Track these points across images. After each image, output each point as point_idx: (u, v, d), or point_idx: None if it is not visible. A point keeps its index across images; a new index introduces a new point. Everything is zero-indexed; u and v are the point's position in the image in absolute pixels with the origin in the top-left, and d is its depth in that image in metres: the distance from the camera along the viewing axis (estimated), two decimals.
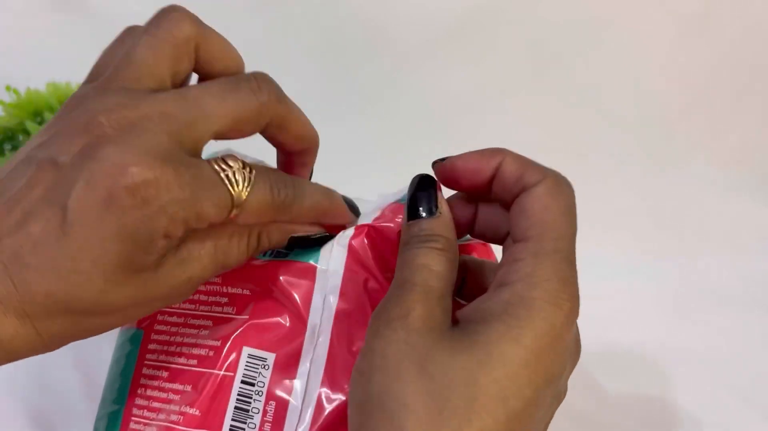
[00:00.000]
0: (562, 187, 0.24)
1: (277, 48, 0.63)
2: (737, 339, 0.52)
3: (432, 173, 0.27)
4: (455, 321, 0.23)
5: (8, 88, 0.46)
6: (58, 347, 0.23)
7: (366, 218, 0.30)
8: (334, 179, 0.64)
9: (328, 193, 0.29)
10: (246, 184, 0.24)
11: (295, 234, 0.28)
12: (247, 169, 0.24)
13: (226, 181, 0.23)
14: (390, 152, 0.65)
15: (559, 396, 0.24)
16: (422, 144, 0.65)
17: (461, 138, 0.66)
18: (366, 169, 0.64)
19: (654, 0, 0.63)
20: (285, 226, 0.27)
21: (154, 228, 0.22)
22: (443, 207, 0.25)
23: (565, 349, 0.22)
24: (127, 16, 0.61)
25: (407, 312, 0.22)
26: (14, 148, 0.45)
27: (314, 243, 0.29)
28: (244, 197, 0.24)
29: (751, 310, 0.55)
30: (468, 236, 0.28)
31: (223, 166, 0.24)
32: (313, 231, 0.28)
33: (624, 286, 0.56)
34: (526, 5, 0.63)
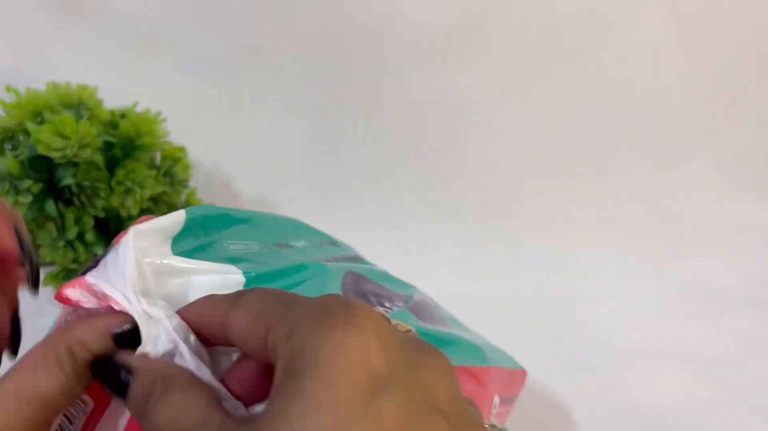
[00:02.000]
0: (240, 294, 0.22)
1: (276, 48, 0.63)
2: (737, 339, 0.52)
3: None
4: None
5: (8, 88, 0.46)
6: None
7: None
8: (334, 179, 0.64)
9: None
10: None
11: (116, 331, 0.23)
12: None
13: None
14: (390, 152, 0.65)
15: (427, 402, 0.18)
16: (422, 144, 0.66)
17: (461, 138, 0.66)
18: (366, 168, 0.64)
19: (654, 1, 0.63)
20: (94, 324, 0.23)
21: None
22: (134, 361, 0.22)
23: (385, 351, 0.18)
24: (127, 16, 0.61)
25: None
26: (14, 147, 0.45)
27: (138, 338, 0.24)
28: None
29: (751, 310, 0.55)
30: None
31: None
32: (125, 317, 0.23)
33: (624, 286, 0.56)
34: (526, 7, 0.63)
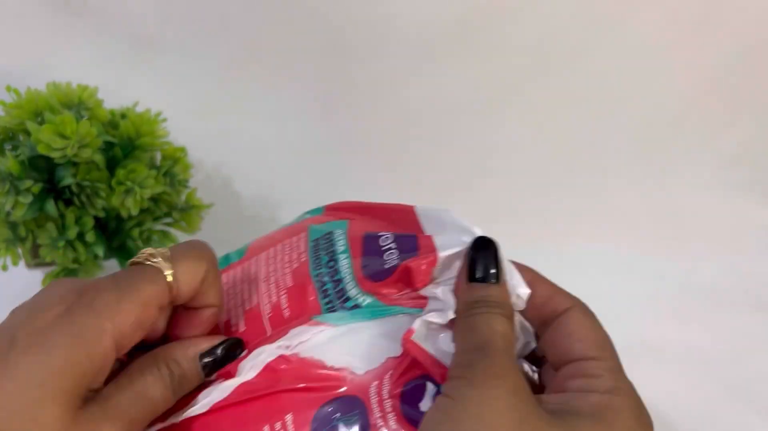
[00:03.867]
0: (590, 311, 0.27)
1: (277, 48, 0.63)
2: (737, 339, 0.52)
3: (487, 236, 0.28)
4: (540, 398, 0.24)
5: (8, 88, 0.46)
6: None
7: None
8: (334, 179, 0.64)
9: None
10: (165, 260, 0.26)
11: (203, 352, 0.27)
12: (157, 251, 0.26)
13: (149, 263, 0.26)
14: (390, 152, 0.65)
15: None
16: (422, 144, 0.66)
17: (461, 138, 0.66)
18: (367, 168, 0.64)
19: (654, 0, 0.63)
20: (186, 347, 0.27)
21: (100, 329, 0.23)
22: (504, 274, 0.27)
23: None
24: (127, 16, 0.61)
25: (504, 373, 0.23)
26: (14, 147, 0.45)
27: (225, 359, 0.28)
28: (171, 268, 0.26)
29: (751, 310, 0.55)
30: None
31: (140, 258, 0.26)
32: (214, 342, 0.28)
33: (624, 286, 0.56)
34: (526, 6, 0.63)
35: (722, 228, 0.62)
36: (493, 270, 0.26)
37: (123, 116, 0.48)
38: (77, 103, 0.47)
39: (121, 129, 0.47)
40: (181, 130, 0.52)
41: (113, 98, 0.50)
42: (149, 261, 0.26)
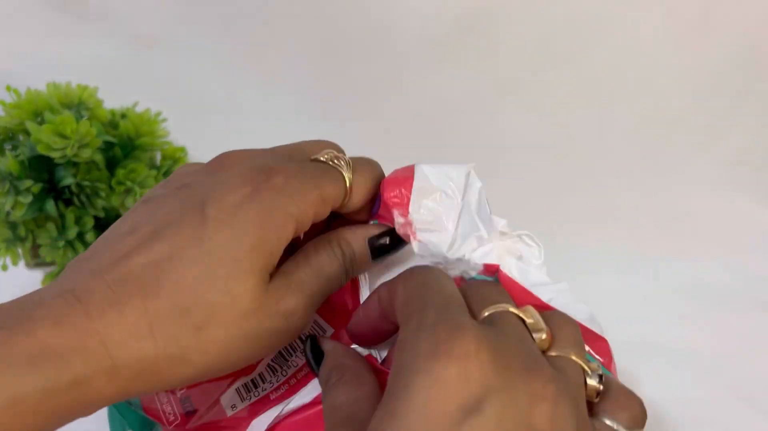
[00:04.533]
0: (412, 271, 0.25)
1: (276, 47, 0.63)
2: (737, 339, 0.52)
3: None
4: None
5: (8, 88, 0.46)
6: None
7: None
8: None
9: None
10: (347, 166, 0.28)
11: (372, 237, 0.29)
12: (341, 156, 0.28)
13: (333, 164, 0.27)
14: (390, 152, 0.65)
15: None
16: (422, 144, 0.65)
17: (461, 138, 0.66)
18: None
19: (654, 0, 0.63)
20: (356, 231, 0.29)
21: (288, 214, 0.24)
22: (325, 346, 0.26)
23: (485, 379, 0.18)
24: (127, 16, 0.61)
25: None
26: (14, 147, 0.45)
27: (392, 246, 0.29)
28: (349, 182, 0.27)
29: (751, 310, 0.55)
30: None
31: (324, 157, 0.28)
32: (382, 228, 0.29)
33: (624, 286, 0.56)
34: (525, 6, 0.63)
35: (723, 228, 0.62)
36: (314, 364, 0.27)
37: (123, 116, 0.48)
38: (77, 103, 0.47)
39: (121, 129, 0.47)
40: (181, 130, 0.52)
41: (113, 98, 0.50)
42: (333, 162, 0.27)
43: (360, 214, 0.29)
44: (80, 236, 0.45)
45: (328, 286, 0.27)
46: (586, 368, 0.22)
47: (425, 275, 0.24)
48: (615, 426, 0.21)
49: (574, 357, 0.21)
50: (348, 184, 0.27)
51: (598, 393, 0.22)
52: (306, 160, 0.28)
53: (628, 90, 0.66)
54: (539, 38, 0.64)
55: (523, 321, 0.22)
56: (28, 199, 0.43)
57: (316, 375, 0.26)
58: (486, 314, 0.22)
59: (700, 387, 0.48)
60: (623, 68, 0.65)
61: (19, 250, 0.46)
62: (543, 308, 0.28)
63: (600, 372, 0.22)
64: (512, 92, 0.65)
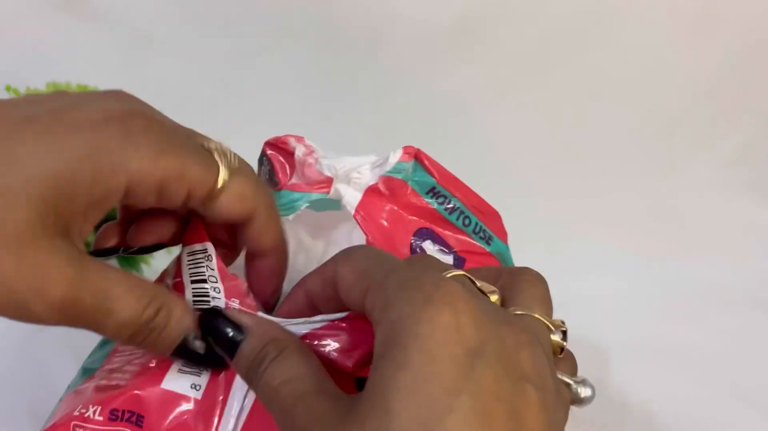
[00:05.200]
0: (350, 250, 0.23)
1: (276, 47, 0.63)
2: (737, 339, 0.52)
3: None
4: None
5: (8, 88, 0.46)
6: None
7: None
8: None
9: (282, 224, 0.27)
10: (230, 165, 0.24)
11: (196, 334, 0.23)
12: (233, 154, 0.24)
13: (215, 154, 0.24)
14: (390, 152, 0.65)
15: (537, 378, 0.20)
16: (422, 144, 0.65)
17: (461, 138, 0.66)
18: None
19: (654, 0, 0.63)
20: (185, 312, 0.23)
21: (124, 159, 0.21)
22: (244, 319, 0.23)
23: (476, 327, 0.18)
24: (127, 16, 0.61)
25: None
26: None
27: (198, 362, 0.24)
28: (230, 170, 0.23)
29: (751, 310, 0.55)
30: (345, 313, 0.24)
31: (212, 145, 0.24)
32: (199, 332, 0.24)
33: (623, 286, 0.56)
34: (525, 6, 0.63)
35: (722, 228, 0.62)
36: (227, 338, 0.22)
37: None
38: None
39: None
40: None
41: None
42: (216, 152, 0.24)
43: (256, 239, 0.25)
44: None
45: (101, 320, 0.21)
46: (549, 325, 0.22)
47: (367, 249, 0.23)
48: (564, 378, 0.22)
49: (537, 315, 0.22)
50: (221, 180, 0.23)
51: (562, 349, 0.23)
52: (193, 140, 0.24)
53: (628, 90, 0.66)
54: (539, 38, 0.64)
55: (474, 283, 0.22)
56: None
57: (228, 356, 0.22)
58: (448, 275, 0.21)
59: (700, 387, 0.48)
60: (623, 68, 0.65)
61: None
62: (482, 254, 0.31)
63: (564, 329, 0.23)
64: (512, 92, 0.65)
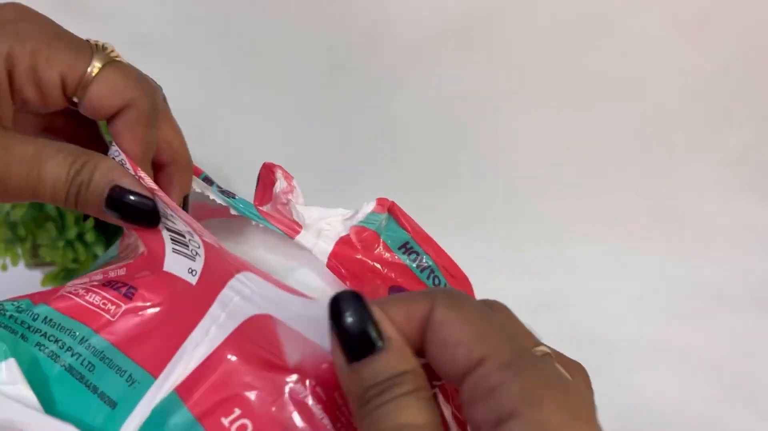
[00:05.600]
0: (457, 296, 0.20)
1: (277, 48, 0.63)
2: (737, 339, 0.52)
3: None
4: None
5: None
6: None
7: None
8: (333, 179, 0.64)
9: (181, 136, 0.27)
10: (106, 56, 0.24)
11: (120, 183, 0.23)
12: (115, 53, 0.25)
13: (94, 46, 0.24)
14: (390, 152, 0.65)
15: None
16: (423, 144, 0.65)
17: (462, 138, 0.66)
18: (365, 169, 0.64)
19: (654, 0, 0.63)
20: (114, 168, 0.24)
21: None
22: (388, 329, 0.19)
23: None
24: (127, 16, 0.61)
25: None
26: None
27: (131, 216, 0.24)
28: (105, 61, 0.24)
29: (751, 310, 0.55)
30: None
31: (99, 42, 0.25)
32: (142, 190, 0.24)
33: (623, 285, 0.56)
34: (526, 6, 0.63)
35: (722, 228, 0.62)
36: (372, 333, 0.18)
37: None
38: None
39: None
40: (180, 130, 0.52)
41: None
42: (96, 45, 0.24)
43: (127, 137, 0.24)
44: (80, 236, 0.45)
45: (33, 187, 0.23)
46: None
47: (476, 302, 0.20)
48: None
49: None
50: (92, 67, 0.23)
51: None
52: (73, 35, 0.25)
53: (628, 90, 0.66)
54: (539, 38, 0.64)
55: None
56: None
57: (346, 358, 0.19)
58: (543, 353, 0.20)
59: (700, 387, 0.48)
60: (623, 68, 0.65)
61: (19, 250, 0.46)
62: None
63: None
64: (512, 92, 0.65)
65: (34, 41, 0.23)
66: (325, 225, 0.29)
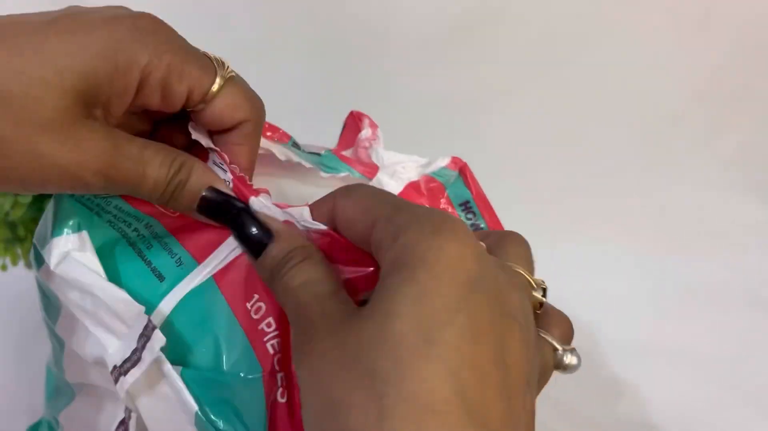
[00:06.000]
0: (350, 187, 0.25)
1: (276, 47, 0.63)
2: (737, 339, 0.52)
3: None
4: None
5: None
6: None
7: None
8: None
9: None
10: (225, 71, 0.26)
11: (213, 188, 0.26)
12: (228, 64, 0.27)
13: (213, 60, 0.26)
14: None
15: (522, 326, 0.21)
16: (422, 144, 0.65)
17: (461, 138, 0.66)
18: None
19: (654, 0, 0.63)
20: (207, 171, 0.26)
21: (136, 55, 0.24)
22: (274, 224, 0.24)
23: (478, 261, 0.20)
24: None
25: (316, 337, 0.21)
26: None
27: (219, 215, 0.26)
28: (225, 77, 0.26)
29: (751, 310, 0.55)
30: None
31: (212, 54, 0.27)
32: (228, 191, 0.26)
33: (623, 285, 0.56)
34: (525, 6, 0.63)
35: (722, 228, 0.62)
36: (260, 233, 0.24)
37: None
38: None
39: None
40: None
41: None
42: (215, 59, 0.26)
43: (237, 149, 0.27)
44: None
45: (137, 183, 0.25)
46: (532, 282, 0.24)
47: (369, 186, 0.25)
48: (548, 339, 0.24)
49: (521, 271, 0.24)
50: (216, 84, 0.26)
51: (541, 304, 0.24)
52: (194, 47, 0.27)
53: (628, 90, 0.66)
54: (539, 38, 0.64)
55: None
56: (28, 199, 0.43)
57: (253, 256, 0.24)
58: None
59: (700, 387, 0.48)
60: (623, 68, 0.65)
61: (19, 250, 0.46)
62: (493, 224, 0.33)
63: (544, 286, 0.24)
64: (512, 92, 0.65)
65: (171, 55, 0.25)
66: (399, 168, 0.32)
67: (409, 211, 0.22)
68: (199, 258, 0.26)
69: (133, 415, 0.25)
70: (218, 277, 0.26)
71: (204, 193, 0.26)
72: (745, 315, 0.54)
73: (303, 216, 0.25)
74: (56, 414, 0.32)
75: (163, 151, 0.25)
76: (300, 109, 0.65)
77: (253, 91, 0.28)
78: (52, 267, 0.26)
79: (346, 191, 0.24)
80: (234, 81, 0.27)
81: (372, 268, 0.24)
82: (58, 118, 0.23)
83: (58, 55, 0.23)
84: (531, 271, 0.25)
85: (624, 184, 0.65)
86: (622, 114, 0.66)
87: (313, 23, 0.63)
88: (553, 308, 0.26)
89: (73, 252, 0.26)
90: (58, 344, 0.29)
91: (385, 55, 0.64)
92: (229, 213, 0.25)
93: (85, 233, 0.27)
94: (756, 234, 0.62)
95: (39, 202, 0.44)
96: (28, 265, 0.49)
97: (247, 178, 0.27)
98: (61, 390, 0.31)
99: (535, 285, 0.24)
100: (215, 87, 0.26)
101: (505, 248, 0.25)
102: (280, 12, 0.62)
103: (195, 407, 0.24)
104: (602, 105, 0.66)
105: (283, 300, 0.23)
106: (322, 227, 0.24)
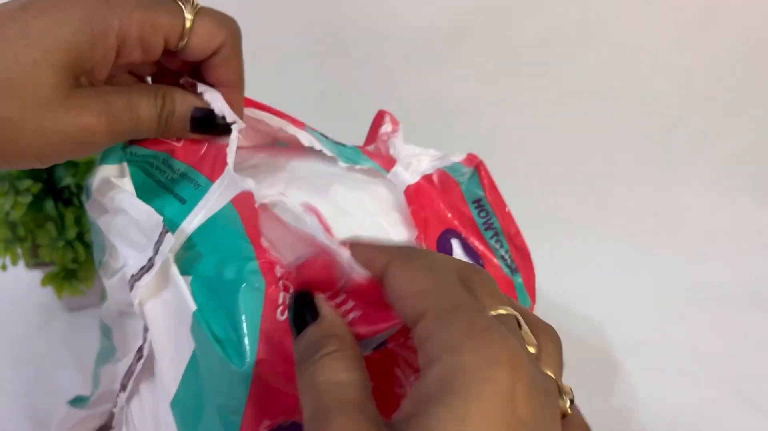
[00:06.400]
0: (415, 255, 0.23)
1: (276, 47, 0.63)
2: (737, 338, 0.52)
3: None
4: (390, 422, 0.20)
5: None
6: None
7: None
8: None
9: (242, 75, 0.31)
10: (192, 6, 0.27)
11: (197, 107, 0.29)
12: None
13: (178, 0, 0.27)
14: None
15: None
16: (422, 144, 0.66)
17: (462, 137, 0.66)
18: None
19: (654, 1, 0.63)
20: (186, 94, 0.29)
21: (109, 21, 0.25)
22: (324, 309, 0.23)
23: (528, 399, 0.19)
24: None
25: None
26: None
27: (213, 128, 0.29)
28: (194, 12, 0.27)
29: (751, 310, 0.55)
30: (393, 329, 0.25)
31: None
32: (210, 106, 0.29)
33: (623, 285, 0.56)
34: (527, 6, 0.63)
35: (722, 228, 0.62)
36: (302, 319, 0.23)
37: None
38: None
39: None
40: None
41: None
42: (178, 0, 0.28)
43: (219, 71, 0.29)
44: (80, 236, 0.45)
45: (135, 126, 0.27)
46: (561, 388, 0.22)
47: (428, 259, 0.22)
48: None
49: (557, 380, 0.22)
50: (187, 23, 0.27)
51: (564, 415, 0.23)
52: None
53: (629, 90, 0.66)
54: (539, 38, 0.64)
55: (520, 326, 0.22)
56: (28, 199, 0.43)
57: (294, 332, 0.23)
58: (497, 313, 0.21)
59: (700, 387, 0.48)
60: (623, 68, 0.65)
61: (19, 250, 0.46)
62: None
63: (571, 397, 0.23)
64: (512, 92, 0.65)
65: (139, 12, 0.26)
66: (414, 161, 0.33)
67: (466, 318, 0.19)
68: (212, 177, 0.28)
69: (148, 337, 0.27)
70: (236, 202, 0.27)
71: (191, 114, 0.28)
72: (746, 316, 0.54)
73: (345, 257, 0.24)
74: (99, 368, 0.35)
75: (145, 92, 0.28)
76: (299, 109, 0.65)
77: (223, 15, 0.29)
78: (92, 190, 0.30)
79: (404, 257, 0.22)
80: (203, 12, 0.28)
81: (399, 325, 0.23)
82: (54, 93, 0.25)
83: (41, 37, 0.24)
84: (561, 374, 0.23)
85: (624, 184, 0.66)
86: (622, 114, 0.66)
87: (312, 24, 0.63)
88: (574, 415, 0.24)
89: (112, 178, 0.29)
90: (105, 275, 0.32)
91: (385, 55, 0.64)
92: (216, 125, 0.29)
93: (125, 164, 0.30)
94: (756, 235, 0.62)
95: (39, 201, 0.44)
96: (29, 265, 0.49)
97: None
98: (105, 349, 0.35)
99: (563, 395, 0.22)
100: (187, 24, 0.27)
101: (539, 344, 0.23)
102: (278, 13, 0.62)
103: (193, 307, 0.25)
104: (602, 105, 0.66)
105: (304, 392, 0.21)
106: (365, 274, 0.23)
